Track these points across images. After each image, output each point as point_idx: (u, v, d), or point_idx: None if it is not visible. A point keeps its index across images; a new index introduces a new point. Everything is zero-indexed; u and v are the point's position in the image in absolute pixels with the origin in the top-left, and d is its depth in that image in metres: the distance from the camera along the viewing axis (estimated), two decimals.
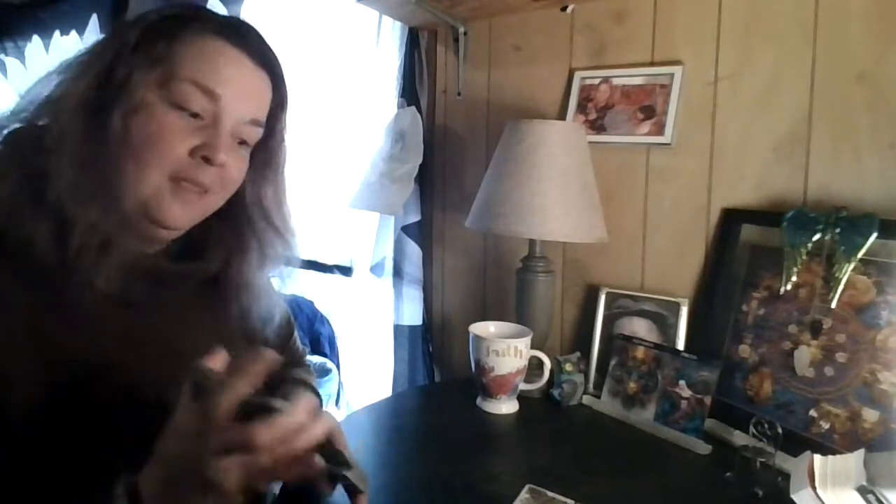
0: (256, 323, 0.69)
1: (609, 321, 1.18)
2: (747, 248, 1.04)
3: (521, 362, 1.02)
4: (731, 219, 1.08)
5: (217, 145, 0.57)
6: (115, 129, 0.54)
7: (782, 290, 0.95)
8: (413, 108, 1.44)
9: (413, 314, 1.49)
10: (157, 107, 0.55)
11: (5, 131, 0.56)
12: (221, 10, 1.68)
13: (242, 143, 0.63)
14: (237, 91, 0.59)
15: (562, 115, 1.30)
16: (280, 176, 0.70)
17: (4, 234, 0.51)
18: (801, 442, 0.83)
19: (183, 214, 0.58)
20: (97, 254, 0.52)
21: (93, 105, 0.53)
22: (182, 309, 0.63)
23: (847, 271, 0.88)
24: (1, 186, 0.52)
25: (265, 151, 0.67)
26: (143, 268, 0.58)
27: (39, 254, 0.51)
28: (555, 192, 1.04)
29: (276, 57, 0.65)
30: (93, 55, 0.56)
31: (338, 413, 1.55)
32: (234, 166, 0.61)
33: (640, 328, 1.13)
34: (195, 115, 0.57)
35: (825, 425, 0.86)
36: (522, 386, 1.06)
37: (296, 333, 0.88)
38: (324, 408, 0.98)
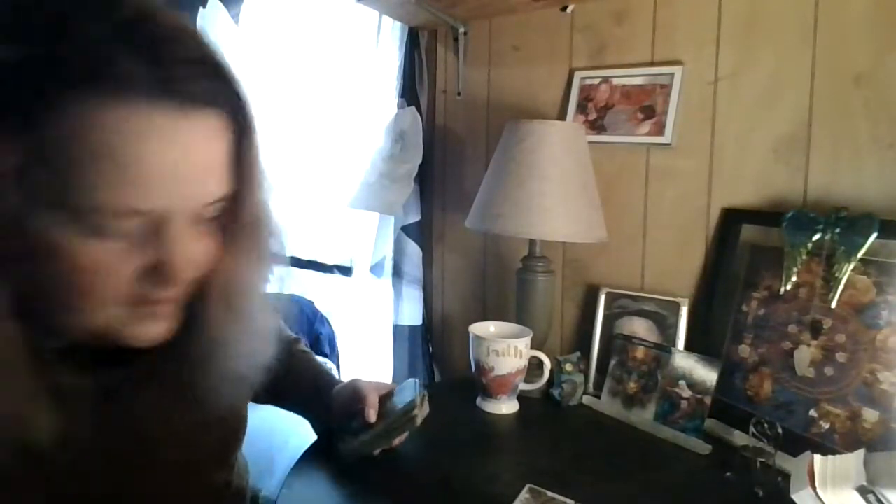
0: (240, 373, 0.56)
1: (609, 321, 1.18)
2: (747, 248, 1.04)
3: (521, 362, 1.02)
4: (731, 219, 1.08)
5: (172, 261, 0.43)
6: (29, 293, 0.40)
7: (782, 290, 0.95)
8: (413, 108, 1.44)
9: (413, 314, 1.49)
10: (73, 249, 0.39)
11: None
12: (221, 10, 1.68)
13: (208, 219, 0.47)
14: (185, 179, 0.41)
15: (562, 115, 1.30)
16: (256, 244, 0.52)
17: None
18: (801, 442, 0.83)
19: (159, 328, 0.47)
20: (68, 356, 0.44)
21: None
22: (163, 392, 0.54)
23: (847, 271, 0.88)
24: None
25: (234, 220, 0.49)
26: (122, 368, 0.49)
27: None
28: (555, 192, 1.04)
29: (225, 71, 0.44)
30: None
31: None
32: (201, 253, 0.47)
33: (640, 328, 1.13)
34: (129, 234, 0.41)
35: (825, 425, 0.86)
36: (522, 386, 1.06)
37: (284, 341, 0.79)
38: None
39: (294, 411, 0.88)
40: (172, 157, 0.40)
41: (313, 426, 0.89)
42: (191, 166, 0.41)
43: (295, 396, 0.87)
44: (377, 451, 0.81)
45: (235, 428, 0.68)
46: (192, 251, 0.45)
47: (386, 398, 0.84)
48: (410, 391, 0.83)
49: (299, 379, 0.86)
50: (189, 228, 0.44)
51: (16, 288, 0.39)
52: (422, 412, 0.80)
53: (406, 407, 0.80)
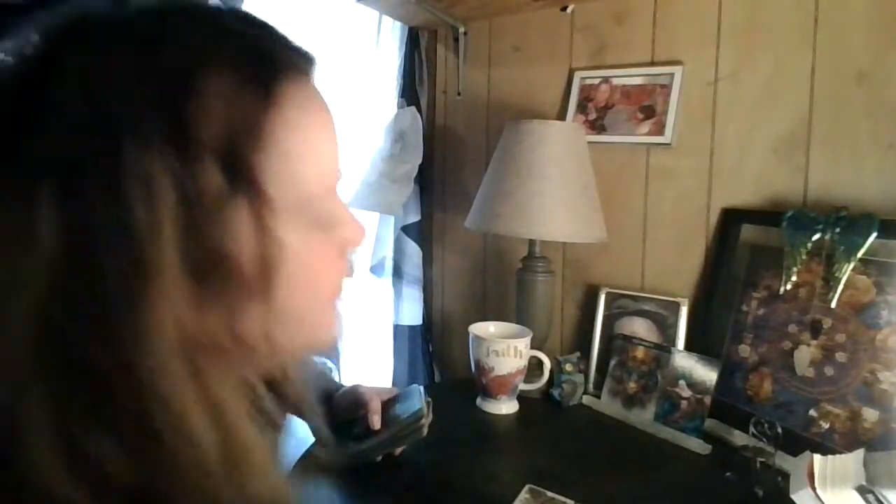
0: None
1: (609, 321, 1.18)
2: (747, 248, 1.04)
3: (520, 362, 1.02)
4: (731, 219, 1.08)
5: (356, 235, 0.40)
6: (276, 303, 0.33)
7: (782, 289, 0.95)
8: (413, 108, 1.44)
9: (413, 314, 1.49)
10: (308, 244, 0.35)
11: None
12: None
13: None
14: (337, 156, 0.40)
15: (562, 115, 1.30)
16: None
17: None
18: (800, 442, 0.83)
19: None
20: None
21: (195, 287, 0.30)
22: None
23: (847, 271, 0.88)
24: None
25: None
26: None
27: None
28: (555, 192, 1.04)
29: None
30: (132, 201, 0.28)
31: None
32: None
33: (640, 328, 1.13)
34: (331, 218, 0.38)
35: (825, 425, 0.86)
36: (522, 386, 1.06)
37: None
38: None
39: (293, 414, 0.88)
40: (335, 138, 0.39)
41: (312, 430, 0.89)
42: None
43: None
44: (379, 458, 0.81)
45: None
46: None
47: (389, 404, 0.84)
48: (416, 399, 0.83)
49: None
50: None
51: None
52: (427, 420, 0.80)
53: (413, 416, 0.80)
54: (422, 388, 0.86)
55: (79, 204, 0.27)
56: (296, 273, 0.34)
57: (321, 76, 0.40)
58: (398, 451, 0.83)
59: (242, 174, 0.30)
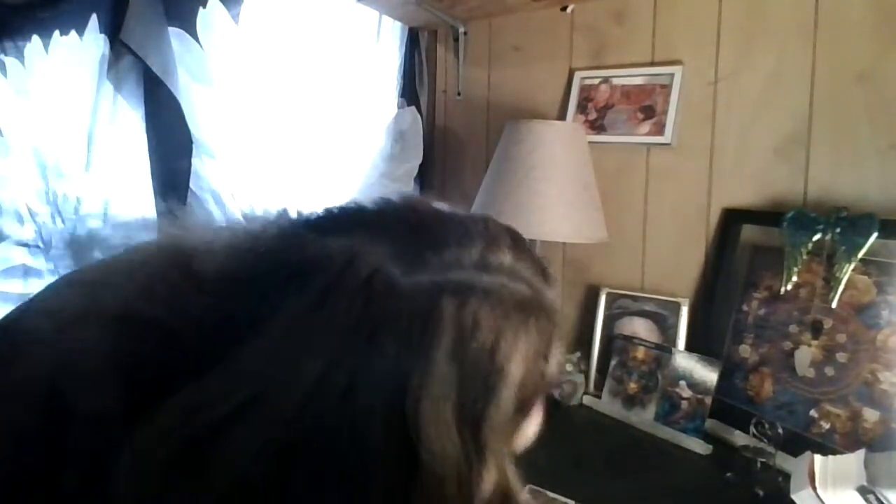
0: None
1: (609, 321, 1.17)
2: (747, 248, 1.04)
3: None
4: (731, 219, 1.08)
5: None
6: None
7: (783, 290, 0.95)
8: (413, 108, 1.44)
9: None
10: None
11: None
12: (221, 10, 1.68)
13: None
14: None
15: (562, 115, 1.30)
16: None
17: None
18: (801, 442, 0.83)
19: None
20: None
21: None
22: None
23: (847, 271, 0.88)
24: None
25: None
26: None
27: None
28: (555, 192, 1.04)
29: None
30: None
31: None
32: None
33: (640, 328, 1.13)
34: None
35: (826, 425, 0.86)
36: None
37: None
38: None
39: None
40: None
41: None
42: None
43: None
44: None
45: None
46: None
47: None
48: None
49: None
50: None
51: None
52: None
53: None
54: None
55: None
56: None
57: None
58: None
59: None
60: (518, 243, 0.38)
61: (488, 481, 0.32)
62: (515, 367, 0.32)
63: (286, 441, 0.28)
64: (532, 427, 0.38)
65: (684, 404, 0.96)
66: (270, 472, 0.28)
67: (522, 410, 0.35)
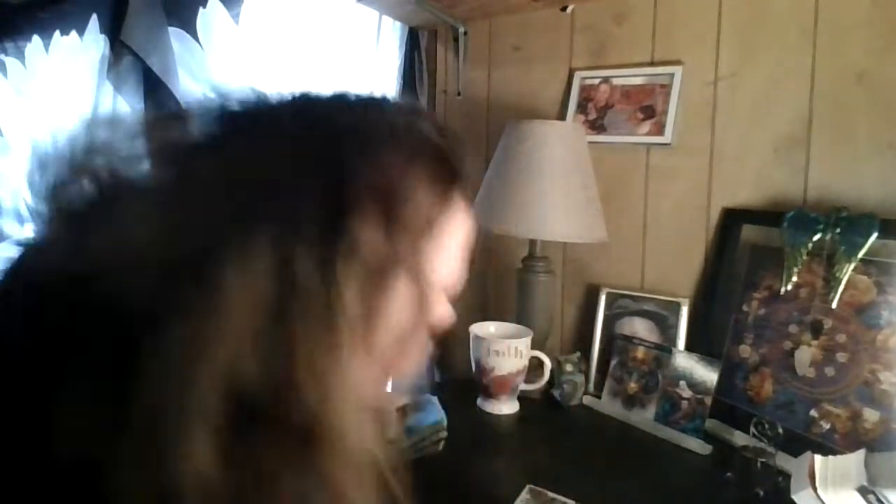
0: None
1: (609, 321, 1.17)
2: (747, 248, 1.04)
3: (521, 362, 1.02)
4: (731, 219, 1.08)
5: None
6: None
7: (783, 290, 0.95)
8: None
9: None
10: (418, 333, 0.41)
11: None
12: (221, 10, 1.68)
13: None
14: None
15: (562, 115, 1.30)
16: None
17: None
18: (801, 442, 0.83)
19: None
20: None
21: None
22: None
23: (847, 271, 0.88)
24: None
25: None
26: None
27: None
28: (555, 192, 1.04)
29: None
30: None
31: None
32: None
33: (640, 328, 1.13)
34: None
35: (826, 425, 0.86)
36: (523, 386, 1.05)
37: None
38: None
39: None
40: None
41: None
42: None
43: None
44: None
45: None
46: None
47: (404, 411, 0.84)
48: (432, 410, 0.83)
49: None
50: None
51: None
52: (444, 434, 0.81)
53: (433, 428, 0.81)
54: (436, 399, 0.86)
55: (291, 266, 0.30)
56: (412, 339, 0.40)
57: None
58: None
59: (408, 256, 0.36)
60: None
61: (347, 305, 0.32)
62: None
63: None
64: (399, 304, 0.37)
65: (684, 404, 0.96)
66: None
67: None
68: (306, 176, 0.33)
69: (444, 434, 0.80)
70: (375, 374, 0.39)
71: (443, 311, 0.48)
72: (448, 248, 0.43)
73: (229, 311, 0.29)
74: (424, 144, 0.40)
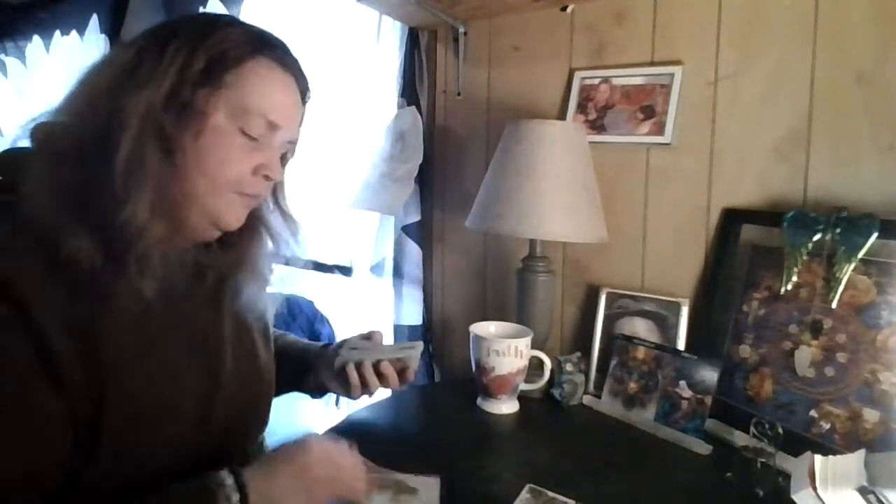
0: (250, 309, 0.73)
1: (609, 321, 1.17)
2: (747, 248, 1.04)
3: (521, 362, 1.02)
4: (731, 219, 1.08)
5: (275, 166, 0.64)
6: (187, 150, 0.58)
7: (783, 290, 0.95)
8: (413, 108, 1.44)
9: (413, 314, 1.49)
10: (227, 132, 0.59)
11: (33, 124, 0.58)
12: (221, 10, 1.68)
13: (282, 157, 0.69)
14: (289, 118, 0.65)
15: (562, 115, 1.30)
16: (286, 203, 0.76)
17: (48, 247, 0.52)
18: (801, 442, 0.83)
19: (241, 218, 0.65)
20: (153, 264, 0.56)
21: (159, 123, 0.56)
22: (210, 296, 0.68)
23: (847, 271, 0.88)
24: (40, 195, 0.53)
25: (284, 157, 0.72)
26: (186, 265, 0.63)
27: (83, 267, 0.53)
28: (555, 192, 1.04)
29: (305, 73, 0.68)
30: (145, 70, 0.56)
31: (338, 413, 1.55)
32: (280, 171, 0.68)
33: (640, 328, 1.13)
34: (254, 138, 0.62)
35: (826, 425, 0.86)
36: (523, 386, 1.06)
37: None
38: (327, 406, 1.06)
39: (290, 389, 0.87)
40: (288, 100, 0.65)
41: (311, 394, 0.88)
42: (294, 110, 0.66)
43: (289, 372, 0.83)
44: (373, 394, 0.82)
45: (270, 383, 0.74)
46: (279, 164, 0.66)
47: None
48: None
49: (288, 349, 0.86)
50: (279, 150, 0.66)
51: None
52: (418, 352, 0.81)
53: (409, 342, 0.84)
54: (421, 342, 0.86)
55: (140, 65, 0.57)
56: (209, 148, 0.59)
57: (313, 66, 0.69)
58: (395, 383, 0.81)
59: (215, 79, 0.58)
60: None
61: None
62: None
63: None
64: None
65: (684, 404, 0.96)
66: None
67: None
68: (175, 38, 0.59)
69: (419, 349, 0.81)
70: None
71: (266, 153, 0.64)
72: (254, 86, 0.60)
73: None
74: (241, 26, 0.63)
